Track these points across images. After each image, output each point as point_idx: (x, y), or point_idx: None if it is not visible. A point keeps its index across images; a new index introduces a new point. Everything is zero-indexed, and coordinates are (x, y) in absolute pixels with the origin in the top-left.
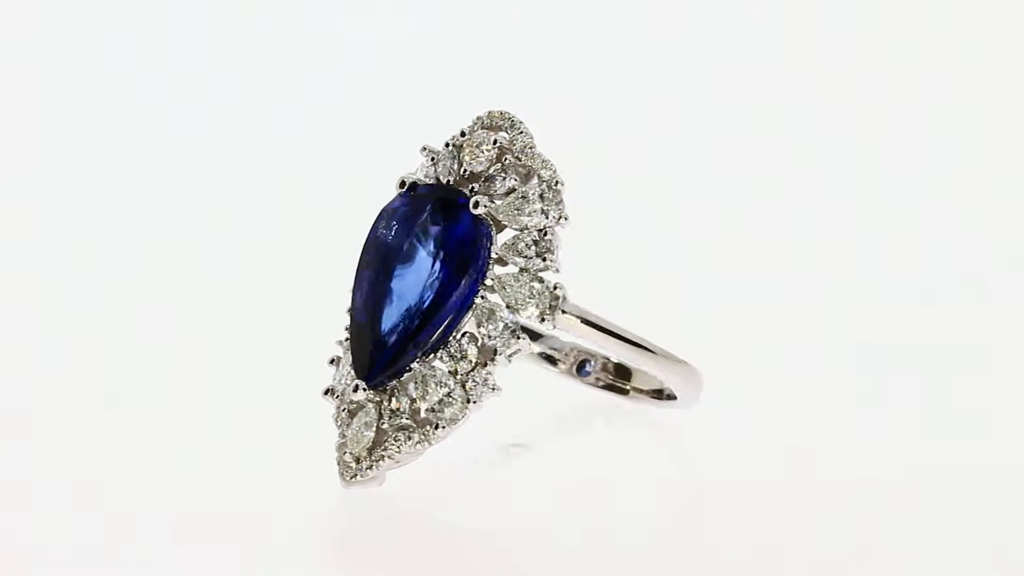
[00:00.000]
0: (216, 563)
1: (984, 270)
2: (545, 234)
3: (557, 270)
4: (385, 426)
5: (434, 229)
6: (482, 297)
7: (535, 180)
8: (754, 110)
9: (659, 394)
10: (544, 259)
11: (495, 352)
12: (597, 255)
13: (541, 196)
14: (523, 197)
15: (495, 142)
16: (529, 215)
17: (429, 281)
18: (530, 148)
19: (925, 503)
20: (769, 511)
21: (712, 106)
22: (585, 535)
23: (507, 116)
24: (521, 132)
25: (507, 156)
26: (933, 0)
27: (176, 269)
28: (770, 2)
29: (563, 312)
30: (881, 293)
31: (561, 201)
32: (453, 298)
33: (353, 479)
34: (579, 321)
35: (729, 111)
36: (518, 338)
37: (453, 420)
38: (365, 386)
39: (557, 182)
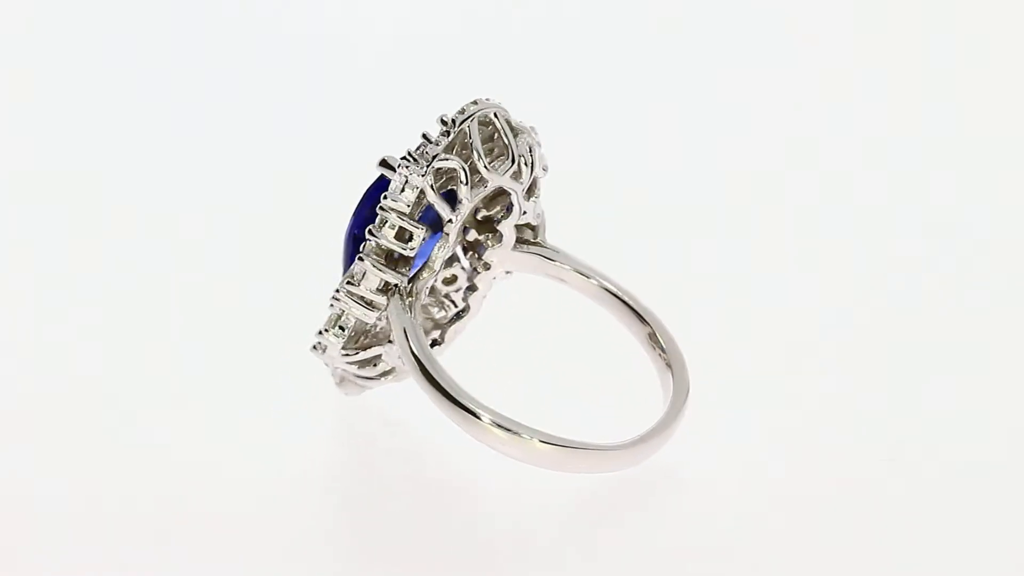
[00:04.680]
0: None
1: (984, 269)
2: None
3: (384, 247)
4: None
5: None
6: (363, 250)
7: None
8: (753, 109)
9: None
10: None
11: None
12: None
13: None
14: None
15: (443, 120)
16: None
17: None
18: (468, 135)
19: (922, 504)
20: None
21: (711, 105)
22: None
23: (477, 103)
24: (462, 125)
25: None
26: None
27: (175, 268)
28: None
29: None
30: (879, 293)
31: (422, 187)
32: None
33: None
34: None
35: (728, 110)
36: (339, 299)
37: (320, 347)
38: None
39: (428, 165)
